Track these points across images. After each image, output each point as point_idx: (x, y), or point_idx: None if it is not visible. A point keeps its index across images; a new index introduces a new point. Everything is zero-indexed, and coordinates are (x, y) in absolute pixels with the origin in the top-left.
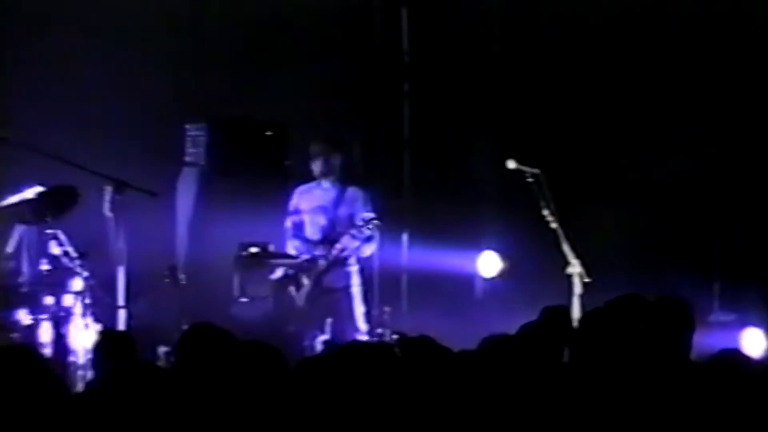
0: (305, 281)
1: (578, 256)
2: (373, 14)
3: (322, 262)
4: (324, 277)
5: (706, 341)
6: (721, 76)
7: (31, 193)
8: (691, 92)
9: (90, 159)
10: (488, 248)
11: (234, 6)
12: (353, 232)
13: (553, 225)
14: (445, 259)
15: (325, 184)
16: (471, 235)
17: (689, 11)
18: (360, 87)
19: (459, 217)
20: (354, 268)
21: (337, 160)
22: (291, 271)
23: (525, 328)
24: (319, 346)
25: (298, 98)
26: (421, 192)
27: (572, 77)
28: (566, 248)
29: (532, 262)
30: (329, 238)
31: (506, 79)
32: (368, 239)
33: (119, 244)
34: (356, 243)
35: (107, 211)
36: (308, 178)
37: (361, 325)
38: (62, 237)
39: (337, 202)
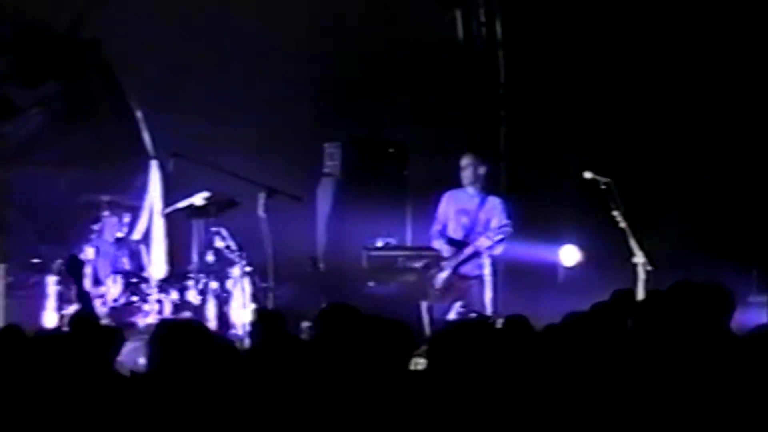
0: (445, 268)
1: (642, 248)
2: (476, 54)
3: (460, 256)
4: (461, 267)
5: (745, 318)
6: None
7: (200, 197)
8: (737, 106)
9: (248, 170)
10: (569, 242)
11: (364, 43)
12: (489, 234)
13: (622, 224)
14: (533, 251)
15: (471, 190)
16: (554, 231)
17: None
18: (465, 112)
19: (545, 216)
20: (486, 261)
21: (482, 171)
22: (432, 260)
23: (596, 306)
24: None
25: (415, 121)
26: (514, 196)
27: (634, 105)
28: (632, 242)
29: (605, 253)
30: (468, 236)
31: (583, 106)
32: (500, 241)
33: (271, 238)
34: (489, 243)
35: (261, 212)
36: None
37: (489, 308)
38: (224, 233)
39: (480, 207)
